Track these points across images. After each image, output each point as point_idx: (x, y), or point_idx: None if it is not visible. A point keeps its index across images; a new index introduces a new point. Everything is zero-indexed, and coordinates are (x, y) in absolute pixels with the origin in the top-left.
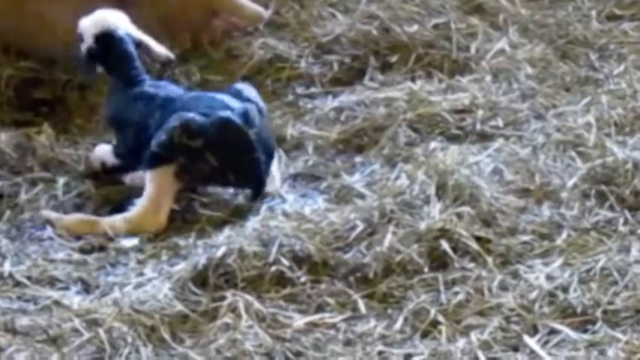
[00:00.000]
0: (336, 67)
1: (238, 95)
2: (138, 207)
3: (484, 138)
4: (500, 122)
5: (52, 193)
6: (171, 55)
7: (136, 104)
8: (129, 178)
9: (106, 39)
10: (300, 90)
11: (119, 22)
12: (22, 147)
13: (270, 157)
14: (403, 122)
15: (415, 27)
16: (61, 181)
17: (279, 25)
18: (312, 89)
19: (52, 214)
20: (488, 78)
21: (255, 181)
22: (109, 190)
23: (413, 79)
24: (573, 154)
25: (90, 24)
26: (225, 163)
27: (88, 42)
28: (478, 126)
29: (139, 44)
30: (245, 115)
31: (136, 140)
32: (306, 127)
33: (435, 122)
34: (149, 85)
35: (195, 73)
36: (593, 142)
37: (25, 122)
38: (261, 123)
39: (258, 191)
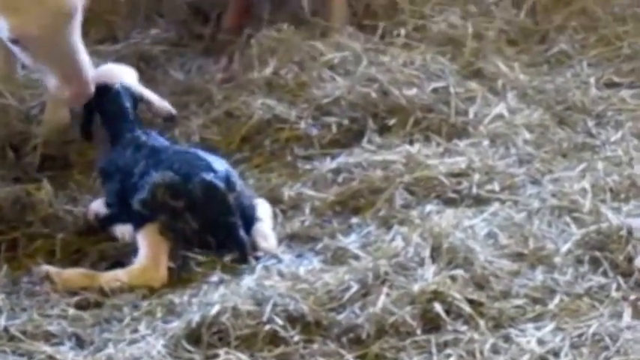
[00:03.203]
0: (334, 128)
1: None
2: (137, 265)
3: (480, 202)
4: (496, 186)
5: (50, 248)
6: (173, 110)
7: (124, 151)
8: (119, 232)
9: (103, 91)
10: (298, 151)
11: (121, 76)
12: (21, 202)
13: (249, 222)
14: (400, 185)
15: (414, 90)
16: (59, 236)
17: (279, 86)
18: (311, 150)
19: (52, 269)
20: (486, 142)
21: (235, 246)
22: (106, 246)
23: (411, 143)
24: (568, 219)
25: (95, 76)
26: (204, 225)
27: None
28: (474, 190)
29: (140, 99)
30: (227, 179)
31: (121, 186)
32: (304, 188)
33: (432, 185)
34: (139, 134)
35: (194, 133)
36: (588, 208)
37: (25, 178)
38: (242, 188)
39: (242, 255)
